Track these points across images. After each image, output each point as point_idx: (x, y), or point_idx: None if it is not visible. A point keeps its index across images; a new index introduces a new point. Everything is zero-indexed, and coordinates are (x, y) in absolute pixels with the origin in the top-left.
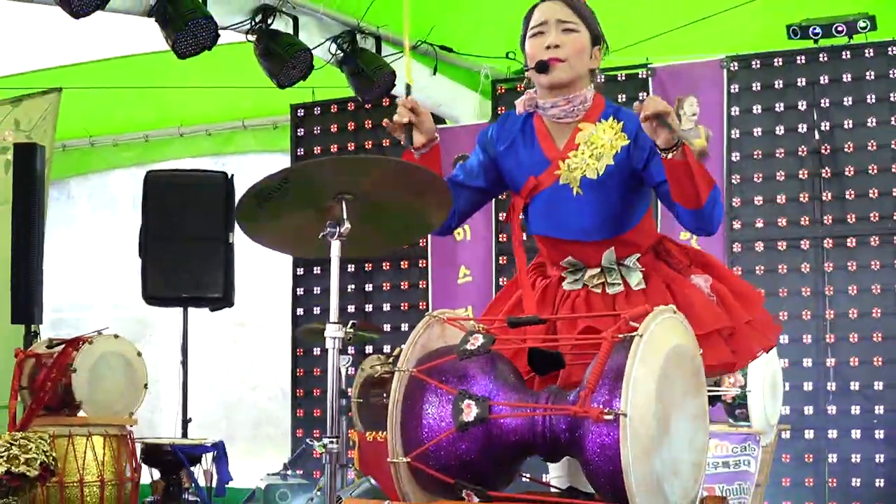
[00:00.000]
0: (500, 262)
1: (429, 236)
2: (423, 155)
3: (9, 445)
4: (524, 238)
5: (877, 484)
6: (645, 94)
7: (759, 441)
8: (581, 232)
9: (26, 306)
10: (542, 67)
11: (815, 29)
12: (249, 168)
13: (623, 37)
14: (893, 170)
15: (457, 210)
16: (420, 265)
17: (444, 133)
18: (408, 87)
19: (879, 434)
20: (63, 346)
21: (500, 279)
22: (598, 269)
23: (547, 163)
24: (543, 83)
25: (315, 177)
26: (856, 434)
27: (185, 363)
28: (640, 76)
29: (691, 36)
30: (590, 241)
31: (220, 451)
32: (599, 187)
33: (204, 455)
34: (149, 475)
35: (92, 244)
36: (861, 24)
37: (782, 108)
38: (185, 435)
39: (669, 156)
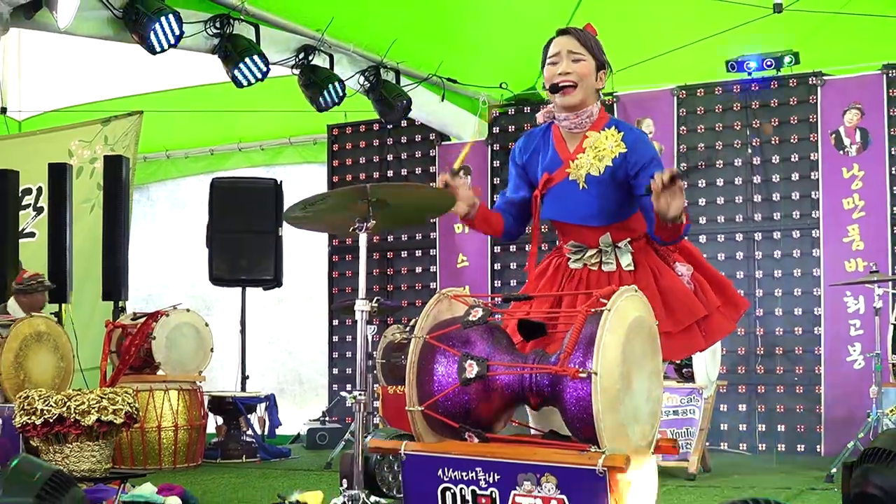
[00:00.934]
0: (495, 251)
1: (437, 230)
2: (474, 218)
3: (100, 398)
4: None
5: (798, 429)
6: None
7: (702, 394)
8: (583, 218)
9: (115, 287)
10: (555, 89)
11: (748, 63)
12: (294, 176)
13: None
14: (812, 177)
15: (515, 219)
16: (430, 253)
17: (448, 148)
18: (453, 171)
19: (799, 389)
20: (145, 318)
21: (495, 265)
22: (596, 250)
23: (560, 162)
24: (557, 103)
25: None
26: (780, 389)
27: (243, 331)
28: (607, 102)
29: (648, 69)
30: (590, 226)
31: (271, 402)
32: (600, 183)
33: (258, 405)
34: (213, 421)
35: (168, 237)
36: (787, 58)
37: (721, 128)
38: (243, 389)
39: (669, 224)
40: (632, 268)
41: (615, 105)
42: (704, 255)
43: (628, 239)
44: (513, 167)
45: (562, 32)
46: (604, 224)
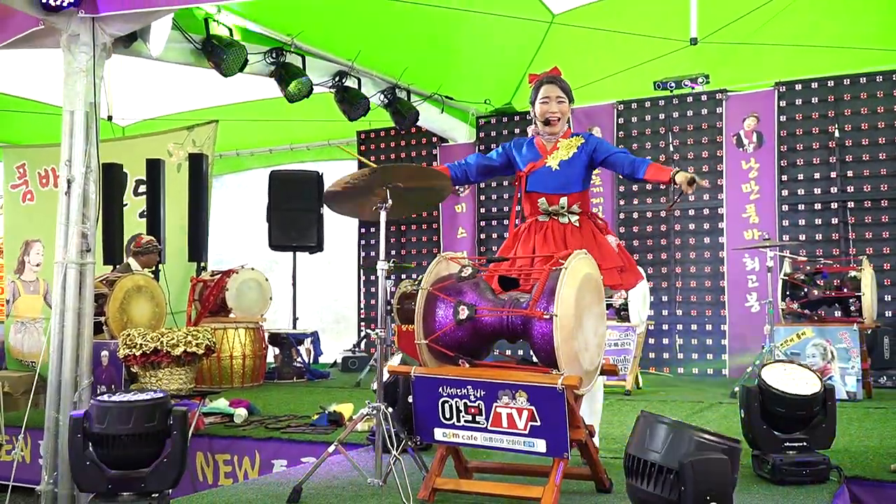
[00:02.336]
0: (481, 224)
1: (440, 210)
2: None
3: (186, 335)
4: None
5: (708, 357)
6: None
7: (636, 330)
8: (553, 188)
9: (197, 251)
10: (547, 123)
11: (671, 83)
12: (332, 169)
13: None
14: (718, 169)
15: (479, 171)
16: (434, 227)
17: (447, 148)
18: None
19: (709, 327)
20: (220, 275)
21: (480, 235)
22: (558, 206)
23: (540, 156)
24: (548, 130)
25: (371, 178)
26: (694, 327)
27: (294, 284)
28: None
29: (596, 88)
30: (555, 193)
31: (315, 337)
32: (569, 164)
33: (305, 339)
34: (272, 352)
35: (239, 214)
36: (700, 79)
37: (650, 133)
38: (294, 327)
39: (673, 184)
40: (577, 224)
41: (570, 115)
42: (636, 228)
43: (577, 204)
44: (502, 149)
45: (550, 81)
46: (564, 193)
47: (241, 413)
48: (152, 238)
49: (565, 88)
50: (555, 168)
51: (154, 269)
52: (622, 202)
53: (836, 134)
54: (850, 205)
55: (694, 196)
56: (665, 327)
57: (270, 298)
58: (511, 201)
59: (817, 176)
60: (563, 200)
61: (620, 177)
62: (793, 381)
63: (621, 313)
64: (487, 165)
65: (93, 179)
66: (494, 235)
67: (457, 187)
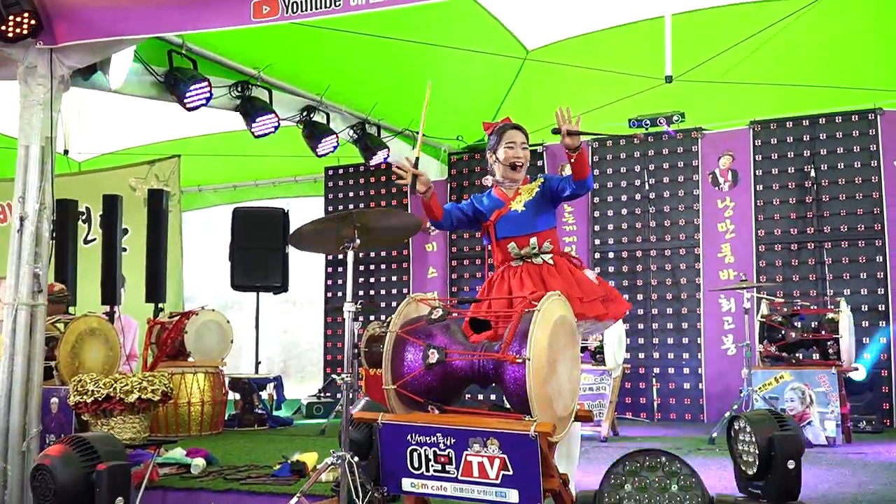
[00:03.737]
0: (452, 264)
1: (410, 248)
2: (429, 197)
3: (141, 380)
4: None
5: (685, 401)
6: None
7: (612, 374)
8: (522, 228)
9: (155, 291)
10: (514, 167)
11: (646, 121)
12: (298, 206)
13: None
14: (694, 207)
15: (456, 221)
16: (404, 266)
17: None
18: (416, 160)
19: (686, 370)
20: (179, 316)
21: (452, 275)
22: (529, 248)
23: (503, 203)
24: (510, 175)
25: (340, 221)
26: (671, 370)
27: (257, 326)
28: (538, 150)
29: None
30: (525, 234)
31: (278, 381)
32: (534, 204)
33: (268, 384)
34: (232, 397)
35: (201, 253)
36: (675, 117)
37: (626, 171)
38: (256, 371)
39: (575, 153)
40: (552, 263)
41: (545, 153)
42: (612, 268)
43: (548, 241)
44: (470, 200)
45: (515, 127)
46: (532, 232)
47: (198, 463)
48: (64, 287)
49: (527, 135)
50: (521, 210)
51: (109, 310)
52: (597, 241)
53: (812, 173)
54: (827, 245)
55: (669, 236)
56: (641, 371)
57: (231, 341)
58: (478, 242)
59: (793, 215)
60: (533, 241)
61: (593, 213)
62: None
63: (597, 356)
64: (459, 215)
65: (46, 217)
66: (466, 276)
67: (428, 225)
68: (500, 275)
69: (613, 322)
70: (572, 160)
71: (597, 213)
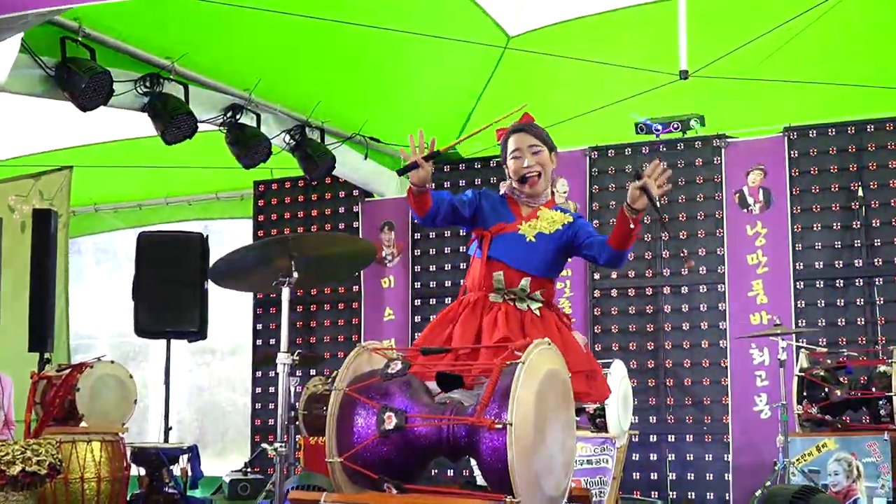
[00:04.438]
0: (416, 303)
1: (362, 284)
2: (426, 192)
3: (24, 449)
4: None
5: (707, 477)
6: (645, 165)
7: (615, 444)
8: (523, 263)
9: (41, 338)
10: (523, 180)
11: (656, 126)
12: (221, 229)
13: None
14: (717, 234)
15: (445, 216)
16: (353, 307)
17: (371, 204)
18: (437, 152)
19: (708, 438)
20: (69, 369)
21: (415, 317)
22: (518, 288)
23: (514, 219)
24: (526, 191)
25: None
26: (689, 438)
27: (167, 383)
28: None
29: (563, 131)
30: (519, 269)
31: (193, 453)
32: (549, 240)
33: (181, 456)
34: (136, 472)
35: (96, 289)
36: (693, 122)
37: (630, 187)
38: (166, 440)
39: (634, 215)
40: (538, 314)
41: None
42: (615, 309)
43: (540, 292)
44: (472, 194)
45: (517, 130)
46: (529, 273)
47: None
48: None
49: (540, 135)
50: (529, 239)
51: None
52: (597, 275)
53: (860, 192)
54: (878, 281)
55: (687, 268)
56: (652, 439)
57: (135, 401)
58: (456, 273)
59: (838, 244)
60: (525, 282)
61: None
62: None
63: (596, 421)
64: (458, 207)
65: None
66: (433, 318)
67: (384, 254)
68: (469, 305)
69: (593, 405)
70: (628, 224)
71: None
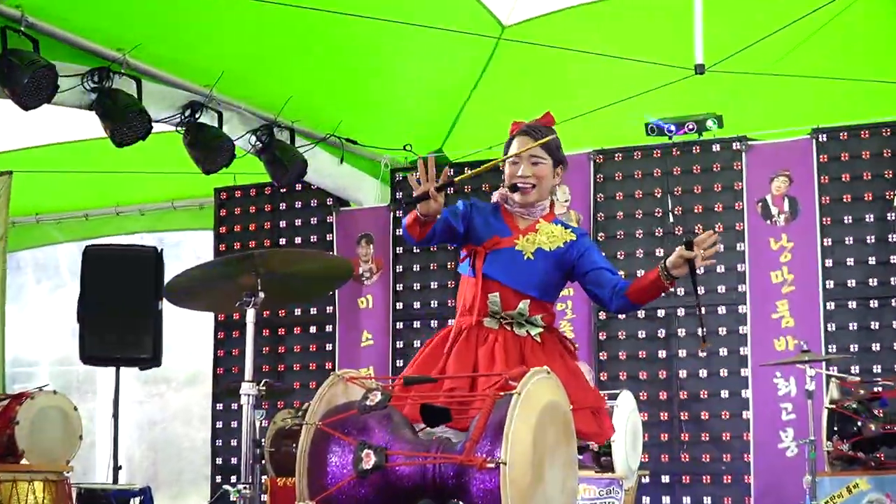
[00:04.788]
0: (397, 327)
1: (336, 305)
2: (426, 222)
3: None
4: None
5: None
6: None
7: (622, 485)
8: (521, 284)
9: None
10: (514, 189)
11: (669, 127)
12: (177, 244)
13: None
14: (738, 248)
15: (441, 236)
16: (327, 330)
17: (347, 215)
18: (450, 179)
19: (727, 479)
20: (7, 401)
21: (397, 342)
22: (515, 312)
23: (510, 233)
24: (517, 199)
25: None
26: (706, 479)
27: (116, 416)
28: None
29: (563, 132)
30: (518, 290)
31: (146, 495)
32: (548, 258)
33: (132, 498)
34: None
35: (37, 310)
36: (709, 122)
37: (641, 195)
38: (115, 481)
39: (669, 281)
40: (539, 340)
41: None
42: (623, 333)
43: (541, 316)
44: (464, 206)
45: (524, 132)
46: (528, 294)
47: None
48: None
49: (551, 145)
50: (527, 256)
51: None
52: None
53: None
54: None
55: (702, 288)
56: (665, 480)
57: (80, 437)
58: (443, 292)
59: (873, 260)
60: (524, 305)
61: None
62: None
63: (602, 459)
64: (452, 223)
65: None
66: (417, 343)
67: (361, 270)
68: (463, 332)
69: (597, 444)
70: (660, 289)
71: (602, 252)
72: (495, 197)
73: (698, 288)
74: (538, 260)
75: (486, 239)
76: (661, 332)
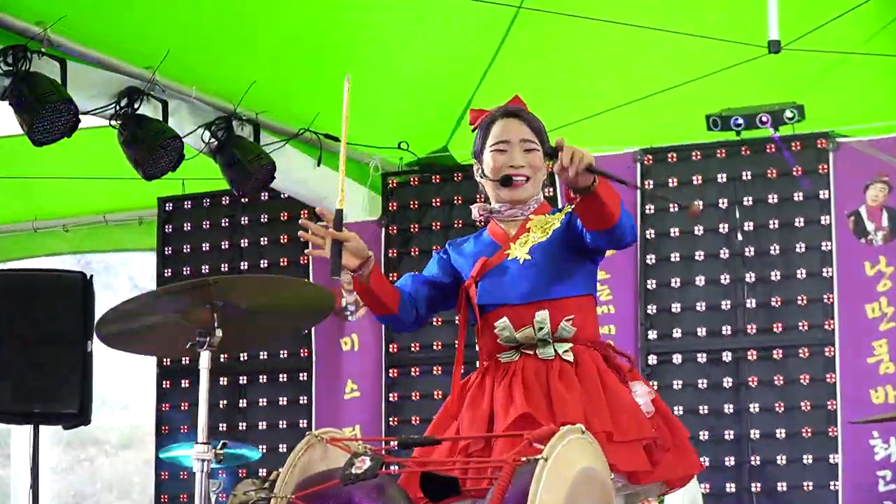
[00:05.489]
0: (391, 374)
1: (313, 347)
2: (366, 278)
3: None
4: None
5: None
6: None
7: None
8: (519, 294)
9: None
10: (507, 182)
11: (736, 120)
12: (113, 268)
13: None
14: (824, 274)
15: (428, 301)
16: (301, 378)
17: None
18: (338, 213)
19: None
20: None
21: (391, 394)
22: (528, 330)
23: (498, 247)
24: (505, 196)
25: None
26: None
27: (34, 487)
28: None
29: (601, 127)
30: (527, 303)
31: None
32: (548, 246)
33: None
34: None
35: None
36: (787, 114)
37: (701, 207)
38: None
39: (583, 193)
40: (570, 356)
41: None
42: (679, 382)
43: (569, 321)
44: (438, 255)
45: (510, 114)
46: (541, 298)
47: None
48: None
49: (538, 128)
50: (523, 260)
51: None
52: (652, 332)
53: None
54: None
55: (780, 324)
56: None
57: None
58: (449, 330)
59: None
60: (542, 315)
61: (645, 282)
62: None
63: None
64: (428, 291)
65: None
66: (416, 396)
67: (344, 303)
68: (479, 376)
69: (670, 490)
70: (581, 205)
71: (651, 283)
72: (475, 211)
73: (620, 178)
74: (537, 255)
75: (472, 267)
76: (728, 381)
